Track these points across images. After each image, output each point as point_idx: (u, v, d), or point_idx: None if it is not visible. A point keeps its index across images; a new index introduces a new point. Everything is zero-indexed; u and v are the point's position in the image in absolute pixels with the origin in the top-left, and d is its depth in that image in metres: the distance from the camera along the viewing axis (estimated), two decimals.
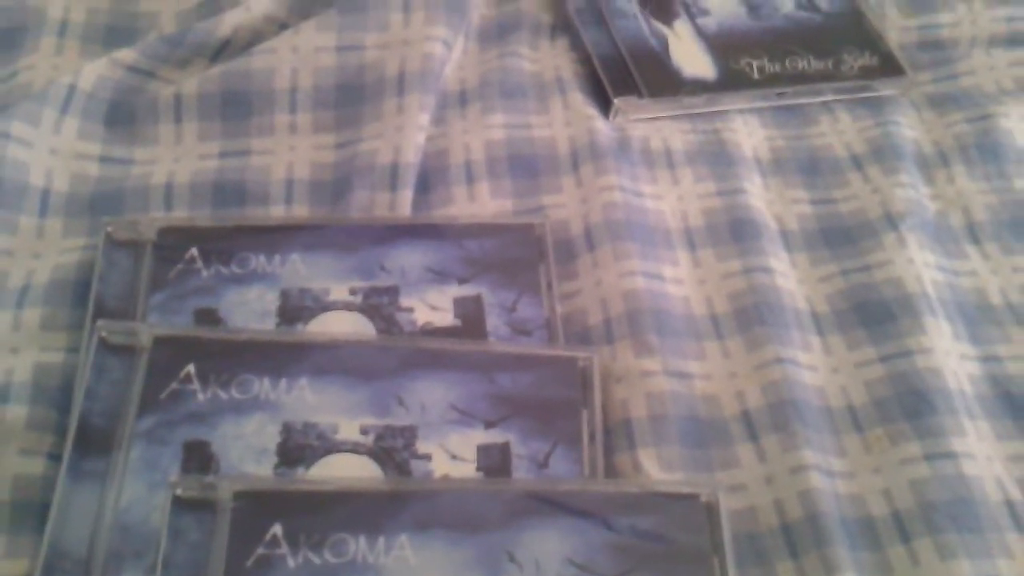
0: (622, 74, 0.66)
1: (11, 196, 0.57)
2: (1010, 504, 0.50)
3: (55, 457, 0.48)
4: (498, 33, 0.69)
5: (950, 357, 0.55)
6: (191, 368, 0.50)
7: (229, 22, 0.64)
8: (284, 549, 0.43)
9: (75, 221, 0.58)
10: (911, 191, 0.62)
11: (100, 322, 0.51)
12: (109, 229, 0.55)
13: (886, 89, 0.69)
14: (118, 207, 0.58)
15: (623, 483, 0.48)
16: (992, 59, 0.71)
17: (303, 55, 0.63)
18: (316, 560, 0.43)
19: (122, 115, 0.61)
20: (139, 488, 0.46)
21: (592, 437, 0.49)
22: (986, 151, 0.65)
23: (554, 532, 0.45)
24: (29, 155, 0.58)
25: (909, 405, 0.52)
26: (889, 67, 0.69)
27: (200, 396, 0.49)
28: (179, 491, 0.45)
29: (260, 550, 0.43)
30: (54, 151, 0.59)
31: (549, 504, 0.45)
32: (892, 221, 0.61)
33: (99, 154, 0.60)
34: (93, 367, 0.49)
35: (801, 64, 0.69)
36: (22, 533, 0.46)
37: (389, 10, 0.65)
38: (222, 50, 0.64)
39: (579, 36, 0.68)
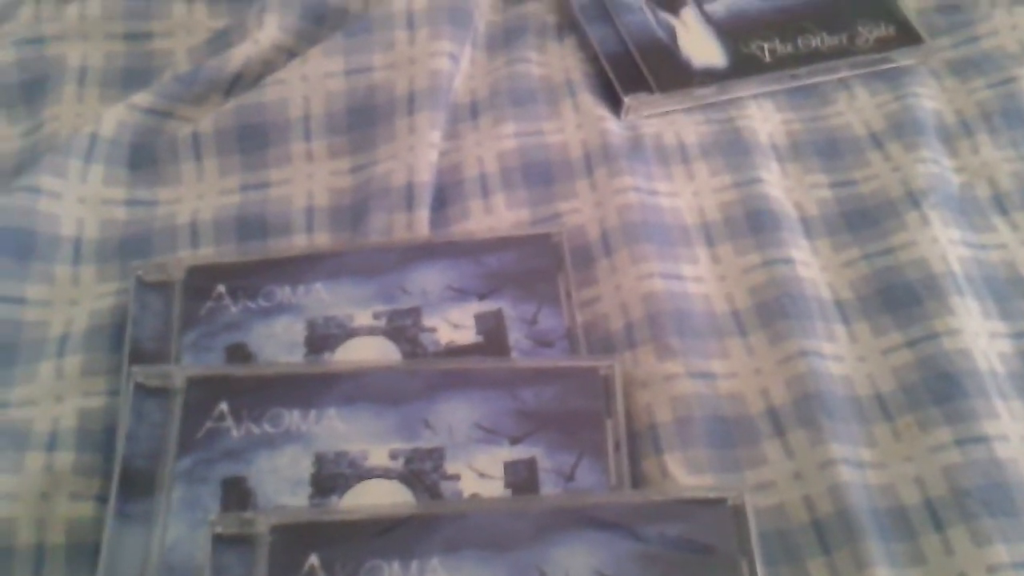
0: (631, 70, 0.66)
1: (45, 248, 0.59)
2: None
3: (103, 499, 0.50)
4: (505, 38, 0.69)
5: (979, 337, 0.54)
6: (224, 406, 0.51)
7: (239, 56, 0.65)
8: None
9: (107, 266, 0.59)
10: (933, 166, 0.61)
11: (135, 367, 0.52)
12: (139, 272, 0.57)
13: (904, 59, 0.68)
14: (147, 248, 0.60)
15: (649, 492, 0.49)
16: (1014, 17, 0.69)
17: (313, 82, 0.64)
18: None
19: (144, 157, 0.63)
20: (182, 527, 0.48)
21: (617, 446, 0.50)
22: (1011, 116, 0.64)
23: (582, 546, 0.45)
24: (59, 206, 0.60)
25: (938, 390, 0.52)
26: (906, 36, 0.68)
27: (234, 433, 0.51)
28: (219, 529, 0.46)
29: None
30: (82, 199, 0.61)
31: (576, 518, 0.46)
32: (914, 199, 0.60)
33: (125, 198, 0.62)
34: (132, 411, 0.51)
35: (814, 42, 0.68)
36: (79, 574, 0.48)
37: (394, 28, 0.66)
38: (235, 83, 0.65)
39: (586, 34, 0.68)
